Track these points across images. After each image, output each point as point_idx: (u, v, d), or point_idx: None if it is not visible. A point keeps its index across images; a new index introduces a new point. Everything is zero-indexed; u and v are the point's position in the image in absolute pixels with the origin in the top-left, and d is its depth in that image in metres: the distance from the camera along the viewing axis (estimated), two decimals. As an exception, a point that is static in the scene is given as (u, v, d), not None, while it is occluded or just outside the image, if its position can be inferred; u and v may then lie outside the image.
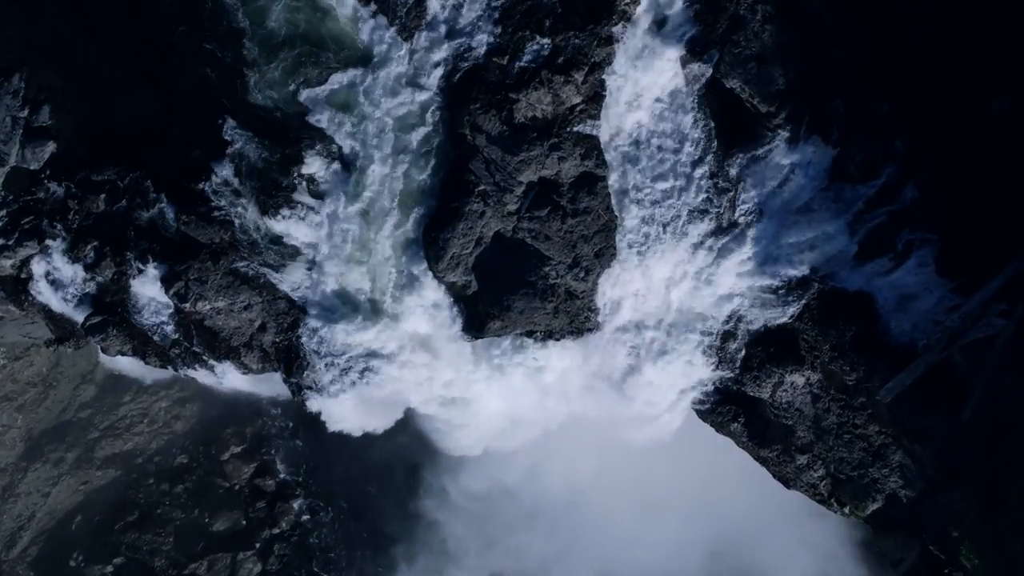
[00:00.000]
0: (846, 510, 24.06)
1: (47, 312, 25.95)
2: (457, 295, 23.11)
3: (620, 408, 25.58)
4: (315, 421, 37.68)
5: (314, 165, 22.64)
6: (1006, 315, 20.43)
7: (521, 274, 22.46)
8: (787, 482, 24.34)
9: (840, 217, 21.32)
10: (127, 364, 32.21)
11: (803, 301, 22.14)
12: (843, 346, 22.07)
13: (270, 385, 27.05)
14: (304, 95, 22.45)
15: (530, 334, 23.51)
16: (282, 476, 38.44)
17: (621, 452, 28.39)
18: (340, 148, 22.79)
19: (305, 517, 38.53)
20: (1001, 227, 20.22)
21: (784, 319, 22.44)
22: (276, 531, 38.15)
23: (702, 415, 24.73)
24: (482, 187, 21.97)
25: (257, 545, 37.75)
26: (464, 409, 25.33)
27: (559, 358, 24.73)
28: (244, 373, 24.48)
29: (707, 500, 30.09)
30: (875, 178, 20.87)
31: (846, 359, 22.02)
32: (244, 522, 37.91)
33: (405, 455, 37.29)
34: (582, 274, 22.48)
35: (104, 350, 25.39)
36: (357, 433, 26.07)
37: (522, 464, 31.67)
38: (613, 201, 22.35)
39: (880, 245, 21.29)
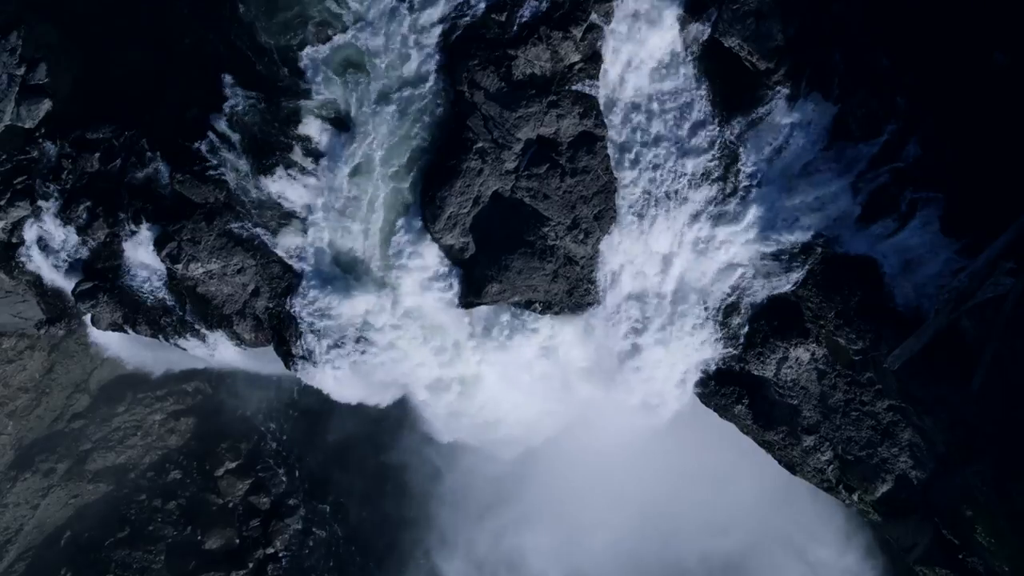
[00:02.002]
0: (855, 497, 23.18)
1: (38, 286, 25.47)
2: (455, 259, 22.63)
3: (620, 393, 24.74)
4: (311, 437, 37.28)
5: (311, 125, 22.50)
6: (1014, 274, 19.74)
7: (520, 234, 22.09)
8: (793, 468, 23.53)
9: (842, 177, 21.02)
10: (121, 360, 31.44)
11: (807, 267, 21.64)
12: (848, 313, 21.46)
13: (264, 363, 26.25)
14: (303, 55, 22.31)
15: (528, 305, 22.83)
16: (276, 494, 37.38)
17: (619, 449, 27.57)
18: (337, 108, 22.68)
19: (300, 535, 37.32)
20: (1006, 183, 19.69)
21: (788, 287, 21.90)
22: (270, 551, 37.08)
23: (705, 398, 24.05)
24: (480, 144, 21.68)
25: (250, 565, 36.94)
26: (461, 390, 24.46)
27: (558, 338, 24.01)
28: (237, 345, 23.89)
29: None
30: (877, 136, 20.53)
31: (852, 327, 21.40)
32: (237, 541, 36.98)
33: (402, 472, 36.42)
34: (581, 236, 22.01)
35: (95, 322, 24.78)
36: (354, 404, 25.12)
37: (518, 468, 30.85)
38: (612, 163, 21.88)
39: (883, 206, 20.91)
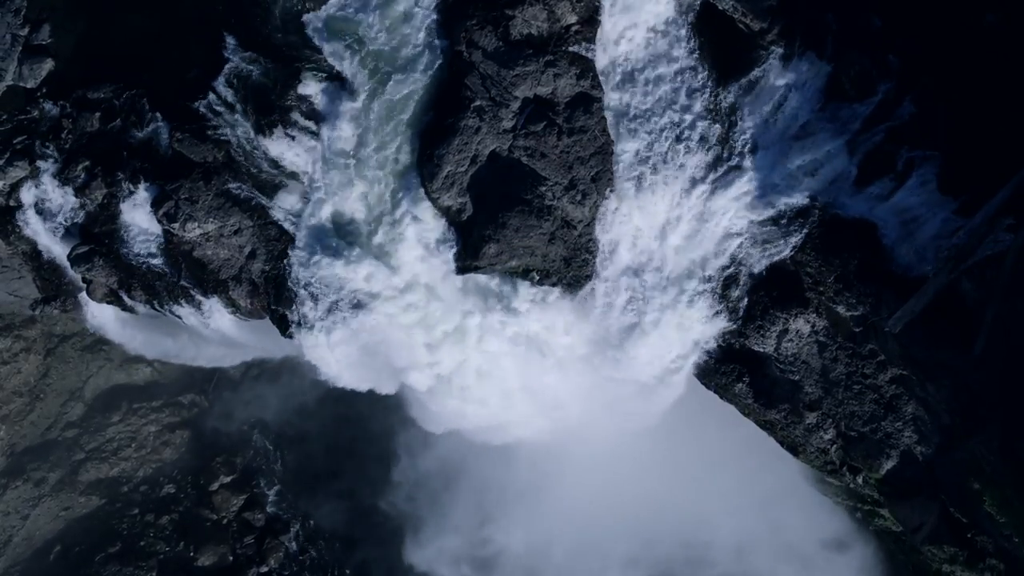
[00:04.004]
0: (859, 479, 22.82)
1: (34, 259, 25.43)
2: (452, 221, 22.54)
3: (621, 375, 24.39)
4: (307, 451, 36.81)
5: (310, 86, 22.71)
6: (1013, 229, 19.63)
7: (517, 193, 22.16)
8: (796, 449, 23.17)
9: (838, 138, 21.13)
10: (117, 344, 31.09)
11: (805, 230, 21.64)
12: (848, 277, 21.35)
13: (256, 337, 25.96)
14: (304, 17, 22.55)
15: (526, 274, 22.65)
16: (271, 510, 36.75)
17: (618, 441, 27.17)
18: (337, 70, 22.87)
19: (295, 552, 36.63)
20: (1002, 140, 19.70)
21: (786, 252, 21.86)
22: (264, 569, 36.35)
23: (705, 377, 23.84)
24: (478, 102, 21.86)
25: (243, 583, 35.76)
26: (457, 368, 24.13)
27: (557, 315, 23.77)
28: (232, 312, 23.72)
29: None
30: (871, 95, 20.69)
31: (852, 291, 21.27)
32: (231, 558, 36.50)
33: (399, 485, 36.06)
34: (579, 197, 22.01)
35: (90, 293, 24.68)
36: (349, 387, 24.77)
37: (514, 465, 30.42)
38: (610, 127, 21.97)
39: (880, 165, 20.98)
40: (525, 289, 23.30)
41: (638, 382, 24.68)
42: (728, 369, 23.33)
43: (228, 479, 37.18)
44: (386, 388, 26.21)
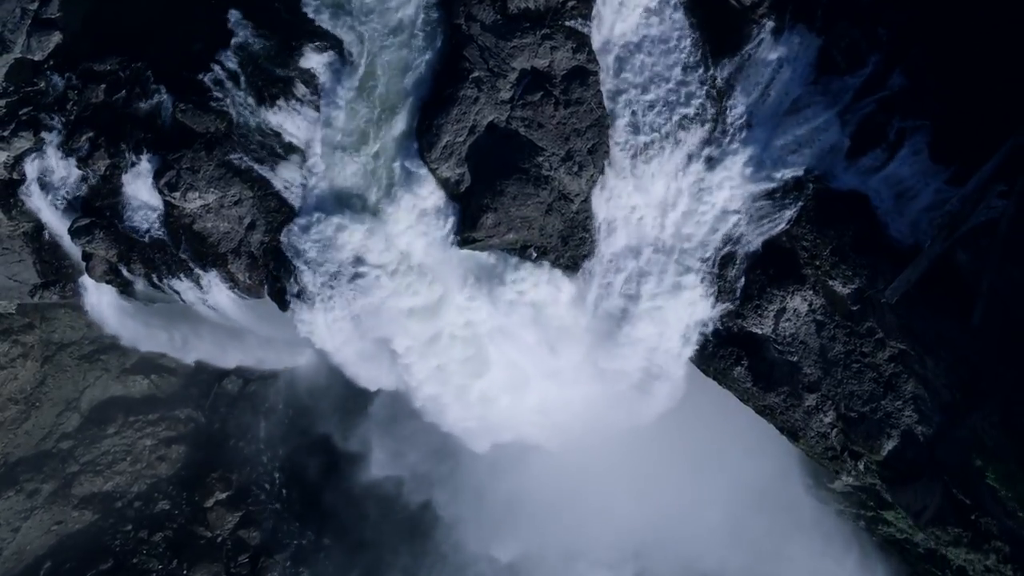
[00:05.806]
0: (861, 465, 22.63)
1: (35, 240, 25.63)
2: (451, 193, 22.78)
3: (619, 364, 24.36)
4: (304, 468, 36.52)
5: (312, 59, 23.22)
6: (1005, 195, 19.89)
7: (514, 162, 22.50)
8: (796, 435, 23.09)
9: (830, 109, 21.47)
10: (116, 337, 31.03)
11: (800, 203, 21.97)
12: (843, 249, 21.59)
13: (252, 320, 25.98)
14: (307, -9, 23.17)
15: (524, 250, 22.81)
16: (267, 528, 36.34)
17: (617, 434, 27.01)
18: (339, 43, 23.51)
19: (290, 572, 36.14)
20: (992, 108, 20.09)
21: (782, 225, 22.01)
22: (259, 589, 35.66)
23: (703, 362, 23.87)
24: (476, 73, 22.39)
25: (237, 603, 35.22)
26: (455, 355, 24.15)
27: (552, 298, 23.84)
28: (230, 288, 23.83)
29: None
30: (862, 67, 21.10)
31: (848, 263, 21.49)
32: (224, 577, 35.55)
33: (398, 505, 35.76)
34: (576, 168, 22.34)
35: (89, 271, 24.94)
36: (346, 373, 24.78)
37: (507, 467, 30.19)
38: (606, 102, 22.37)
39: (872, 136, 21.43)
40: (524, 269, 23.38)
41: (636, 367, 24.55)
42: (726, 353, 23.32)
43: (223, 496, 36.84)
44: (384, 379, 26.10)
